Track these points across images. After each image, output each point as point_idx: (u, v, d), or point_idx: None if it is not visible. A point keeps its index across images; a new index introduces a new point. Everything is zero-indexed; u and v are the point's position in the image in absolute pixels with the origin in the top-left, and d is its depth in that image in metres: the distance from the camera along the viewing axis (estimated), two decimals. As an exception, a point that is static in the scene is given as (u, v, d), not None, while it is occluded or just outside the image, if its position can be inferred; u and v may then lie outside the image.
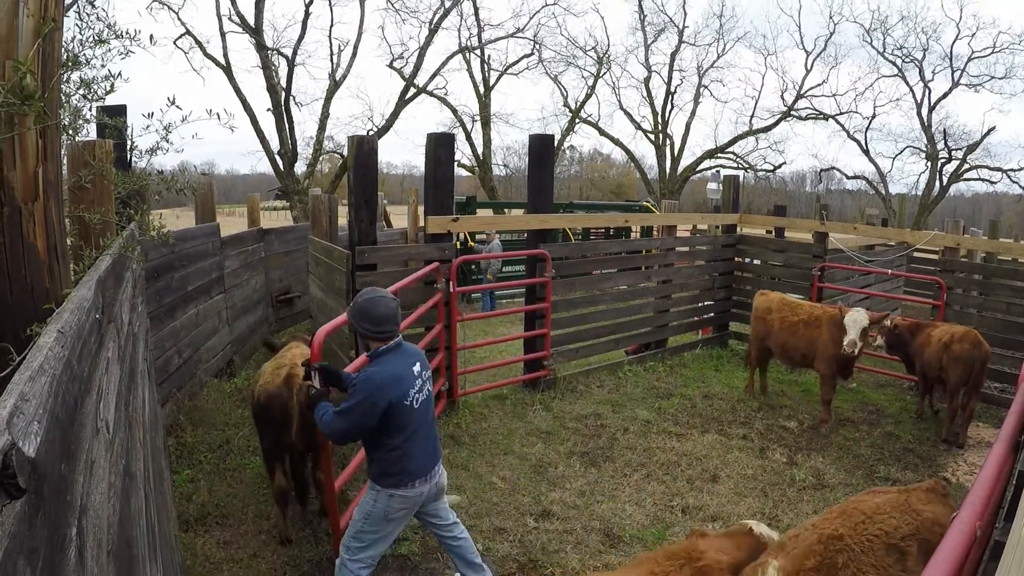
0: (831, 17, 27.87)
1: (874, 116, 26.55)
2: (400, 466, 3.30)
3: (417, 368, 3.35)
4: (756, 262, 9.92)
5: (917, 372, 6.87)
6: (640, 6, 27.00)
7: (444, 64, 24.49)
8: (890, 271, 8.92)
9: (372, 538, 3.37)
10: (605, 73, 27.04)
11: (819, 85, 28.81)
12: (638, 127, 28.29)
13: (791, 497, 5.13)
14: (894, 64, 25.87)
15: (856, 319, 6.18)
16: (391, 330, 3.29)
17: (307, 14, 21.36)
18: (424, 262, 6.19)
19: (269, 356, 4.82)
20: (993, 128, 24.77)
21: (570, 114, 27.02)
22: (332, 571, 4.06)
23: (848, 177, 29.05)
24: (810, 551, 2.42)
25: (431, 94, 24.41)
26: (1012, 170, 25.06)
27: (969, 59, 24.93)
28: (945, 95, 25.56)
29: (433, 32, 23.49)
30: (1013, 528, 2.11)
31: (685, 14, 27.99)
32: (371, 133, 22.41)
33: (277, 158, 21.61)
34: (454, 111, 25.11)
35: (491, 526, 4.56)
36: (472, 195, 18.33)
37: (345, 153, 12.50)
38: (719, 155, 28.02)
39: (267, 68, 20.77)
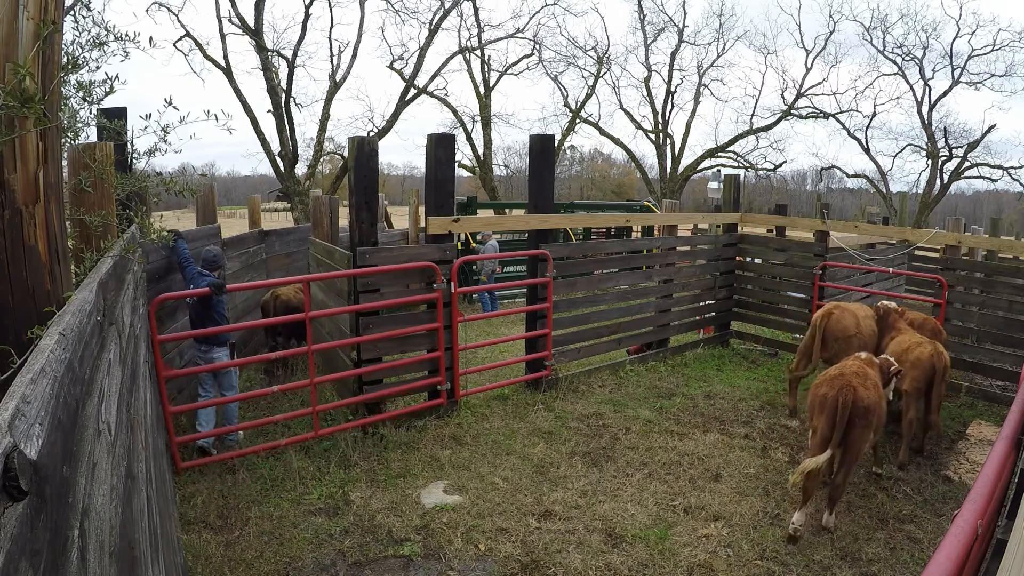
0: (831, 16, 28.03)
1: (874, 114, 26.56)
2: None
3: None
4: (757, 261, 9.91)
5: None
6: (640, 6, 27.02)
7: (444, 65, 24.53)
8: (891, 269, 8.89)
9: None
10: (605, 73, 27.06)
11: (819, 84, 28.81)
12: (638, 127, 28.30)
13: (793, 496, 5.12)
14: (894, 62, 25.87)
15: None
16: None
17: (307, 15, 21.39)
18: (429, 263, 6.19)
19: None
20: (994, 126, 24.75)
21: (570, 114, 27.01)
22: (334, 571, 4.06)
23: (849, 175, 29.02)
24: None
25: (431, 95, 24.42)
26: (1013, 168, 25.02)
27: (969, 57, 24.92)
28: (945, 93, 25.55)
29: (433, 33, 23.50)
30: (1015, 526, 2.10)
31: (685, 13, 28.20)
32: (371, 134, 22.42)
33: (278, 159, 21.63)
34: (454, 112, 25.12)
35: (493, 526, 4.56)
36: (473, 195, 18.31)
37: (346, 154, 12.48)
38: (720, 154, 28.00)
39: (267, 70, 20.76)
